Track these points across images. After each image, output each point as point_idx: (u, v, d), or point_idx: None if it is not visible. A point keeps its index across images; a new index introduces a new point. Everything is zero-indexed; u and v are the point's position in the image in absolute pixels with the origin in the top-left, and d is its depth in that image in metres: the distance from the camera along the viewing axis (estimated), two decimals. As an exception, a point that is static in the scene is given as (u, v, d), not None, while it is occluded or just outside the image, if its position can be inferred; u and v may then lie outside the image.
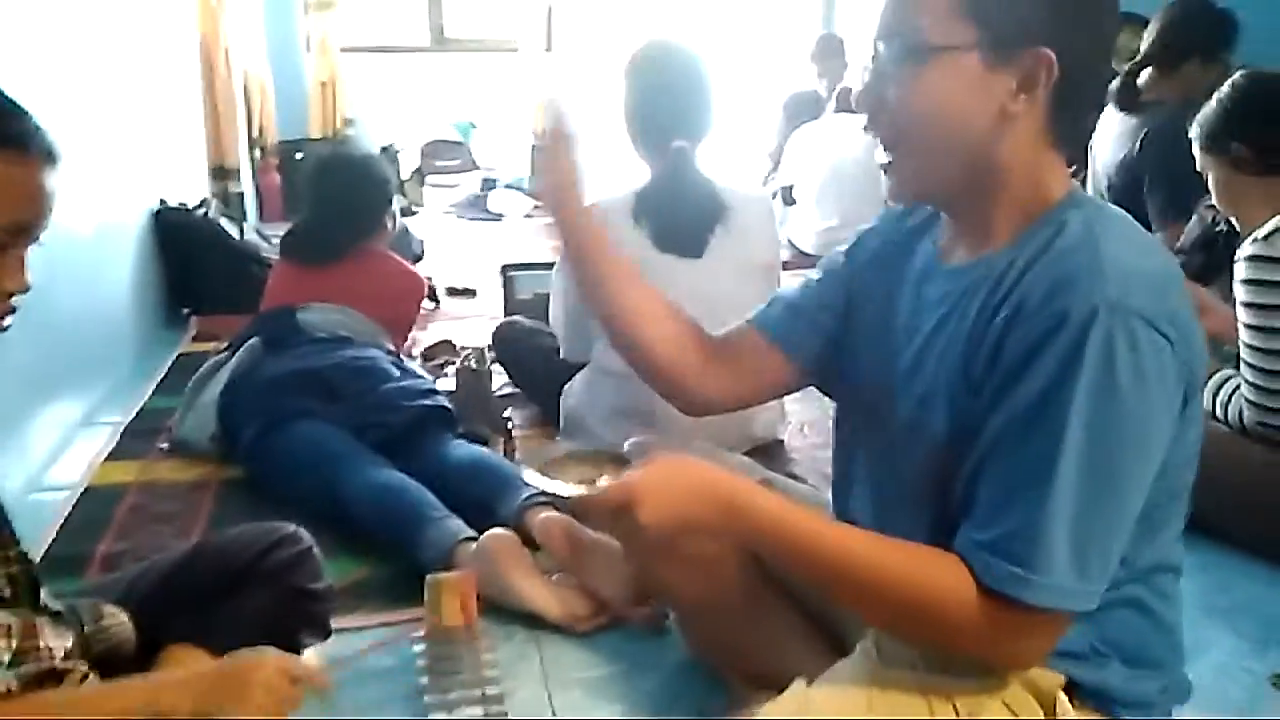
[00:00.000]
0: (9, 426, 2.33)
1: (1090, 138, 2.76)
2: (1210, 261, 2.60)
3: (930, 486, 1.12)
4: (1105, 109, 3.05)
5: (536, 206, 6.02)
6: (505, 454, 2.43)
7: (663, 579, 1.51)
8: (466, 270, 4.42)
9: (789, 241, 4.50)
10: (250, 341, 2.52)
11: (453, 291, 4.17)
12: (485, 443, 2.45)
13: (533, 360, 2.70)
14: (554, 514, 1.87)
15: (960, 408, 1.06)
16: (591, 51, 6.43)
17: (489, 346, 3.01)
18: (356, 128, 6.12)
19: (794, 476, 1.89)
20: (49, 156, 1.07)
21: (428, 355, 3.20)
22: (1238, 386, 2.01)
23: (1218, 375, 2.07)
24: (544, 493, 1.17)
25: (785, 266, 3.02)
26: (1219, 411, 2.05)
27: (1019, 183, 1.07)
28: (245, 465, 2.37)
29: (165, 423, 2.68)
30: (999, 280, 1.04)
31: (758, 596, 1.45)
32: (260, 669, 1.14)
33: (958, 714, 1.05)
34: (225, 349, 2.63)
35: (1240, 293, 1.95)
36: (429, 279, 3.91)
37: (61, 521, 2.19)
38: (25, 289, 1.08)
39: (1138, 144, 3.04)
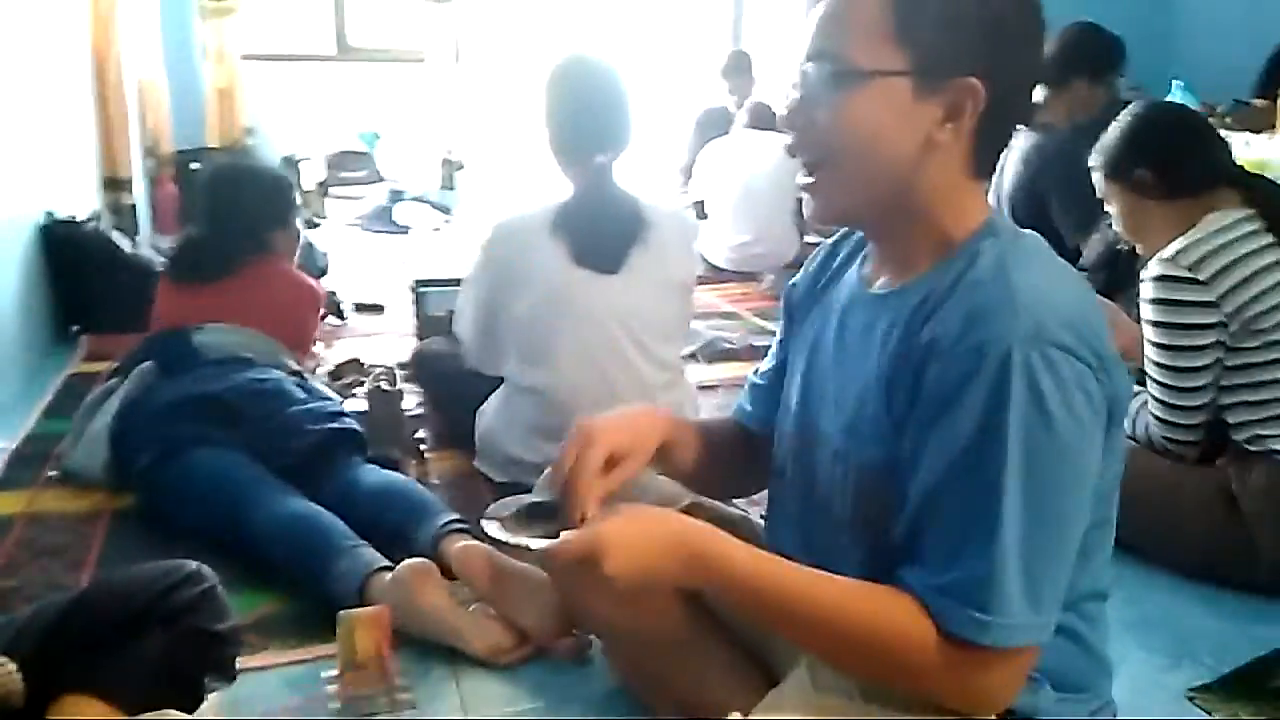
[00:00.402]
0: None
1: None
2: (1113, 279, 2.67)
3: (861, 517, 1.12)
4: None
5: (446, 220, 5.95)
6: (418, 477, 2.37)
7: (590, 608, 1.48)
8: (373, 285, 4.32)
9: (701, 257, 4.51)
10: (142, 365, 2.39)
11: (360, 307, 4.06)
12: (397, 466, 2.38)
13: (452, 383, 2.63)
14: (473, 542, 1.81)
15: (885, 443, 1.06)
16: (500, 63, 6.37)
17: (400, 365, 2.94)
18: (257, 137, 5.95)
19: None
20: None
21: (335, 375, 3.09)
22: (1144, 403, 2.05)
23: (1125, 391, 2.11)
24: (507, 545, 1.13)
25: (699, 282, 3.03)
26: (1126, 426, 2.09)
27: (939, 211, 1.08)
28: (140, 496, 2.25)
29: (54, 449, 2.54)
30: (914, 312, 1.05)
31: (689, 625, 1.43)
32: None
33: None
34: (113, 373, 2.49)
35: (1147, 312, 1.99)
36: (333, 294, 3.84)
37: (-59, 557, 2.05)
38: None
39: (1037, 163, 3.14)
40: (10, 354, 3.09)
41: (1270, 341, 1.90)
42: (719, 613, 1.43)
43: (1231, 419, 1.96)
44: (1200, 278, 1.92)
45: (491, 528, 1.16)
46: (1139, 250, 2.12)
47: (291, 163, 5.63)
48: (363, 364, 3.16)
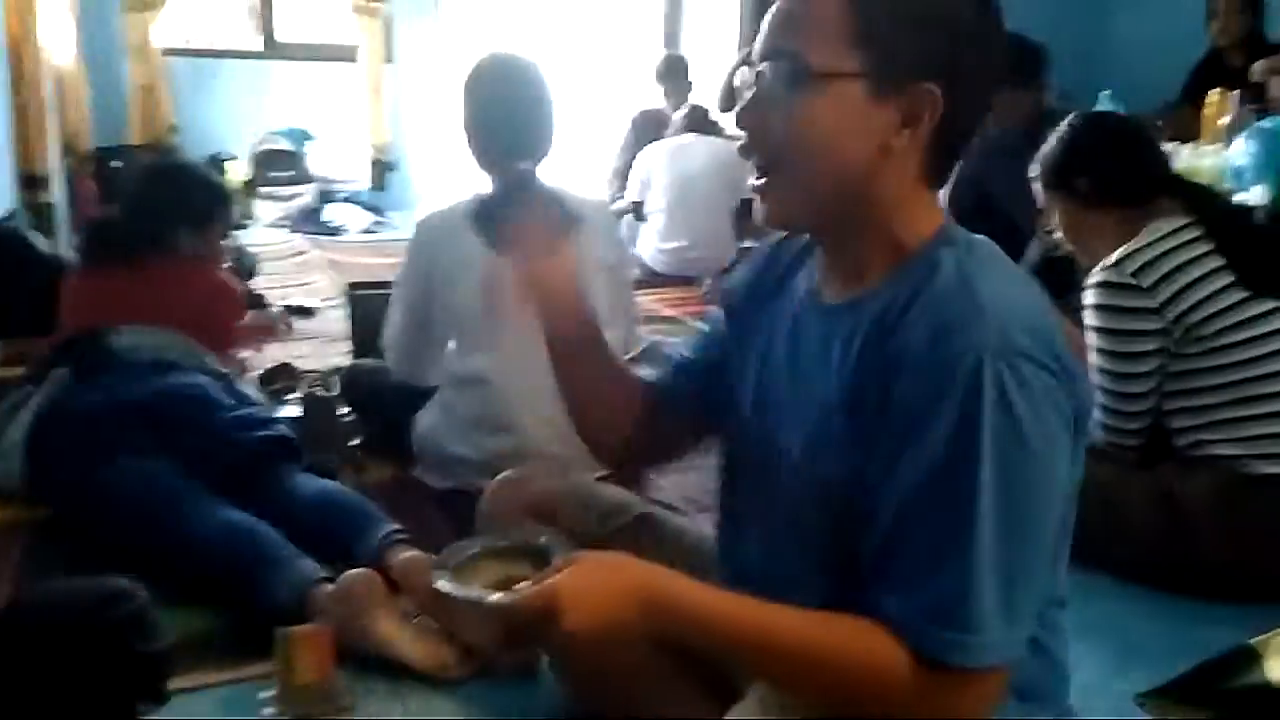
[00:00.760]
0: None
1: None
2: (1049, 286, 2.69)
3: (825, 533, 1.09)
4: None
5: (378, 221, 5.85)
6: (355, 486, 2.30)
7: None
8: (304, 288, 4.22)
9: (639, 259, 4.49)
10: (57, 371, 2.28)
11: (290, 310, 3.96)
12: (334, 475, 2.31)
13: (384, 397, 2.56)
14: (417, 553, 1.76)
15: (850, 459, 1.03)
16: (434, 62, 6.28)
17: (334, 370, 2.86)
18: (181, 135, 5.78)
19: (668, 507, 1.83)
20: None
21: (265, 380, 3.00)
22: (1086, 408, 2.07)
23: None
24: (460, 600, 1.07)
25: (637, 286, 3.00)
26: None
27: (893, 218, 1.05)
28: (61, 509, 2.15)
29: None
30: (877, 323, 1.02)
31: (646, 645, 1.38)
32: None
33: None
34: (26, 379, 2.37)
35: (1091, 319, 2.01)
36: (262, 297, 3.73)
37: None
38: None
39: (979, 162, 3.16)
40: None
41: (1211, 348, 1.93)
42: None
43: (1173, 424, 1.99)
44: (1143, 285, 1.94)
45: (441, 582, 1.10)
46: (1081, 259, 2.14)
47: (217, 161, 5.48)
48: (294, 369, 3.08)
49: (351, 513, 1.95)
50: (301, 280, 4.39)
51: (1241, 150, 3.34)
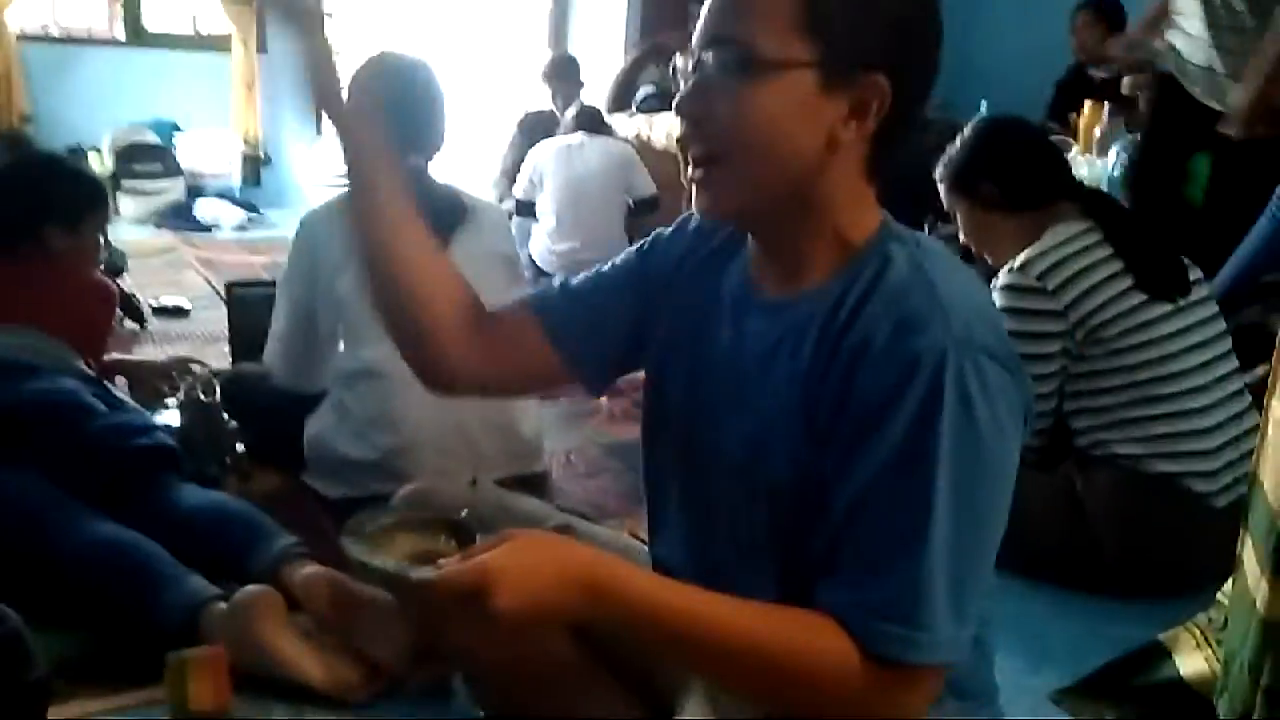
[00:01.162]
0: None
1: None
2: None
3: (768, 534, 1.07)
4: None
5: (252, 218, 5.61)
6: (242, 496, 2.17)
7: (458, 640, 1.35)
8: (175, 286, 4.00)
9: (530, 260, 4.41)
10: None
11: (160, 311, 3.76)
12: (218, 484, 2.18)
13: (272, 404, 2.43)
14: (318, 568, 1.65)
15: (801, 455, 1.01)
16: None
17: (215, 373, 2.70)
18: (36, 125, 5.43)
19: (582, 515, 1.78)
20: None
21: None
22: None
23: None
24: (376, 570, 0.98)
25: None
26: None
27: (836, 212, 1.04)
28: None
29: None
30: (830, 317, 1.01)
31: (568, 653, 1.32)
32: None
33: None
34: None
35: (997, 321, 2.03)
36: (132, 296, 3.53)
37: None
38: None
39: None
40: None
41: (1112, 350, 1.97)
42: (599, 636, 1.33)
43: (1075, 424, 2.03)
44: (1048, 287, 1.97)
45: (356, 549, 1.02)
46: (989, 261, 2.17)
47: (74, 154, 5.16)
48: (171, 373, 2.90)
49: (243, 525, 1.83)
50: (172, 279, 4.16)
51: (1114, 161, 3.50)
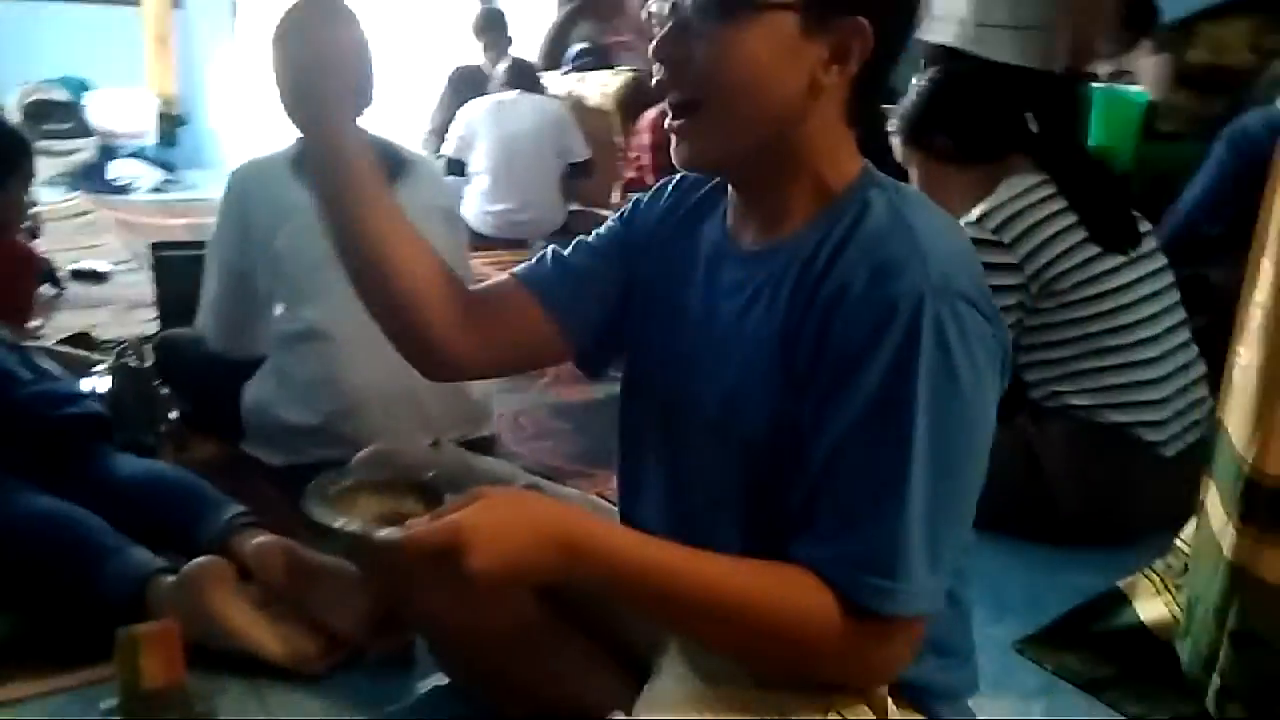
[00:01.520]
0: None
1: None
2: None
3: (743, 488, 1.05)
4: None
5: (169, 180, 5.42)
6: (178, 465, 2.08)
7: (422, 603, 1.31)
8: (92, 250, 3.84)
9: (465, 223, 4.32)
10: None
11: (78, 275, 3.60)
12: (153, 454, 2.09)
13: (207, 370, 2.33)
14: (270, 537, 1.59)
15: (778, 407, 0.99)
16: (226, 9, 5.86)
17: (144, 339, 2.59)
18: (-66, 81, 5.18)
19: (546, 476, 1.73)
20: None
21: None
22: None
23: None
24: (342, 533, 0.93)
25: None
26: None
27: (818, 159, 1.02)
28: None
29: None
30: (807, 264, 0.99)
31: (536, 615, 1.29)
32: None
33: None
34: None
35: (953, 274, 2.03)
36: (48, 261, 3.37)
37: None
38: None
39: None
40: None
41: (1065, 302, 1.98)
42: (567, 596, 1.30)
43: (1029, 377, 2.04)
44: (1004, 240, 1.97)
45: (319, 512, 0.98)
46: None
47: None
48: (93, 339, 2.78)
49: (185, 495, 1.75)
50: (89, 243, 4.00)
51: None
